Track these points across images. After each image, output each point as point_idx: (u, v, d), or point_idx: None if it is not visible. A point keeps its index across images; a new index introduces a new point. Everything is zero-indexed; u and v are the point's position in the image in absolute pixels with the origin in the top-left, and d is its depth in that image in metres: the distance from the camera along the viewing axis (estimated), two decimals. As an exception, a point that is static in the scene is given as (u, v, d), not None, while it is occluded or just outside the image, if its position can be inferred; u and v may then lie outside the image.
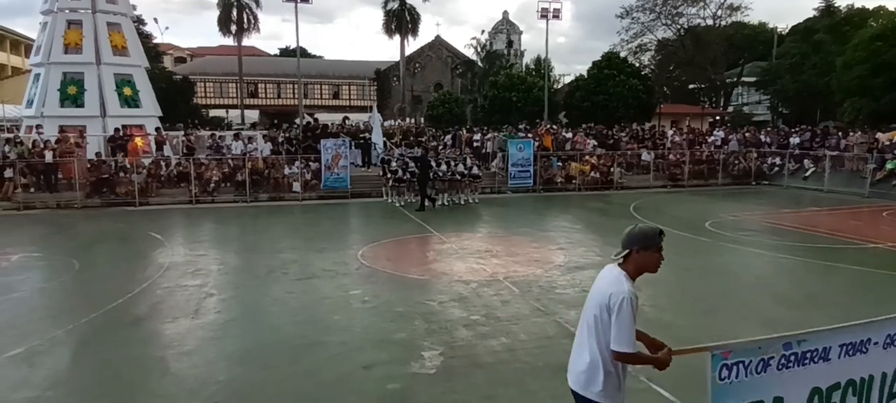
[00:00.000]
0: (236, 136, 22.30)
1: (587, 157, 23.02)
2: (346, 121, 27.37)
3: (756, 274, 10.44)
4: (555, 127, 27.66)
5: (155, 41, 46.86)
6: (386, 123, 31.06)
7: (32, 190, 18.39)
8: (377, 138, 23.62)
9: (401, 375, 5.94)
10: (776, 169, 24.56)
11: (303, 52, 39.06)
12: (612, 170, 22.72)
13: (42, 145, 18.87)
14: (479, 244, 12.60)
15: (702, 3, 44.53)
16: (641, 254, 3.20)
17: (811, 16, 40.06)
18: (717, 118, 42.45)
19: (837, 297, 8.98)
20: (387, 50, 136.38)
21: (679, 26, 46.51)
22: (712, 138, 26.65)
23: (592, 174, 22.51)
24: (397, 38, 51.98)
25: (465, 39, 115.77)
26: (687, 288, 9.35)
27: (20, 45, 59.71)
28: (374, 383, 5.81)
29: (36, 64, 23.14)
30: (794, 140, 25.36)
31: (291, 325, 7.50)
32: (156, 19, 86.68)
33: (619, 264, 3.25)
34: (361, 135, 24.42)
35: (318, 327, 7.37)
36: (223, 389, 5.69)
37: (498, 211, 17.69)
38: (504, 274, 9.79)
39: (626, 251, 3.22)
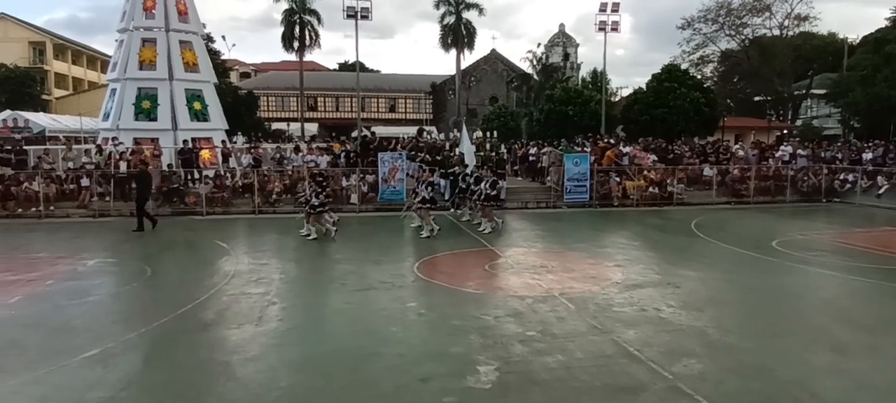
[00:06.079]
0: (297, 150, 22.90)
1: (646, 172, 22.55)
2: (423, 134, 25.11)
3: (825, 295, 10.01)
4: (613, 140, 27.08)
5: (223, 57, 48.80)
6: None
7: (107, 198, 19.38)
8: (469, 158, 19.20)
9: (457, 389, 5.98)
10: (848, 185, 23.46)
11: (361, 66, 39.76)
12: (669, 183, 22.16)
13: (118, 156, 19.92)
14: (535, 259, 12.52)
15: (768, 14, 42.91)
16: None
17: (882, 26, 38.12)
18: (784, 131, 40.84)
19: (913, 323, 8.51)
20: (443, 64, 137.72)
21: (744, 37, 44.90)
22: (780, 153, 25.67)
23: (650, 189, 22.02)
24: (453, 51, 52.40)
25: (520, 53, 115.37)
26: (753, 309, 9.07)
27: (97, 60, 63.50)
28: (431, 395, 5.88)
29: (112, 79, 24.41)
30: (867, 155, 24.15)
31: (350, 335, 7.66)
32: (224, 37, 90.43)
33: None
34: (450, 171, 19.70)
35: (376, 338, 7.50)
36: (285, 395, 5.89)
37: (553, 226, 17.53)
38: (560, 290, 9.71)
39: None
